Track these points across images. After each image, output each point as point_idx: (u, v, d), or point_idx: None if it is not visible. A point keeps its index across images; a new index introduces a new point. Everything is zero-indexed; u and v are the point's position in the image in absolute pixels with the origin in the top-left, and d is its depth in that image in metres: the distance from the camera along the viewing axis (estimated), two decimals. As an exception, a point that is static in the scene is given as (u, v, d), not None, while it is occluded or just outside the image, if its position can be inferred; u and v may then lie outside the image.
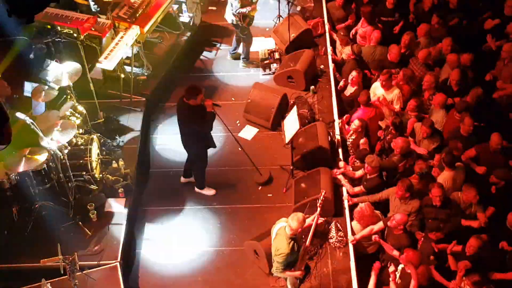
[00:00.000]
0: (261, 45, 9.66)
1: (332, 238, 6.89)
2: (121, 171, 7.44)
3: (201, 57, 9.80)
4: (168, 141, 8.15)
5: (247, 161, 7.60)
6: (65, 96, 7.55)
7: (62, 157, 6.62)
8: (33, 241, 6.64)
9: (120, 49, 7.87)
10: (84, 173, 7.06)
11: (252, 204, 7.50)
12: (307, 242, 5.65)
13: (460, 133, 7.05)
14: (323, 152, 7.54)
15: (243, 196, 7.59)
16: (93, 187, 7.17)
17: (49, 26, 7.86)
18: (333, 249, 6.86)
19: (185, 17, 9.75)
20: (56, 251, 5.68)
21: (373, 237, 6.33)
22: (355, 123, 7.43)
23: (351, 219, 6.76)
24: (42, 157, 6.54)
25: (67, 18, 7.87)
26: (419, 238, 6.36)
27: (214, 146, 7.22)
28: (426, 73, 7.96)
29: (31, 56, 8.00)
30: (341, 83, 8.40)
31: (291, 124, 7.29)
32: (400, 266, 5.97)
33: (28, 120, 6.19)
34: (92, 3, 8.61)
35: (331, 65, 8.90)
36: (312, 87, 8.88)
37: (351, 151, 7.73)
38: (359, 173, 7.21)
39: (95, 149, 7.25)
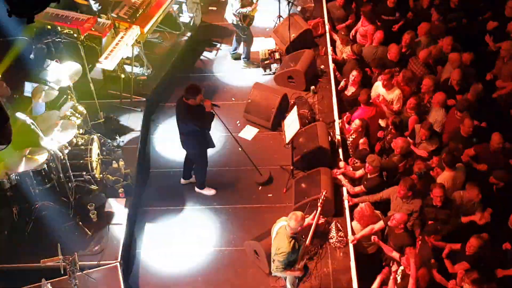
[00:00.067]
0: (262, 45, 9.65)
1: (332, 238, 6.89)
2: (121, 171, 7.44)
3: (201, 57, 9.80)
4: (168, 141, 8.14)
5: (247, 161, 7.60)
6: (65, 96, 7.55)
7: (62, 157, 6.62)
8: (33, 241, 6.64)
9: (120, 49, 7.87)
10: (84, 173, 7.05)
11: (252, 204, 7.50)
12: (307, 242, 5.66)
13: (461, 134, 7.05)
14: (323, 152, 7.54)
15: (243, 196, 7.59)
16: (93, 187, 7.17)
17: (49, 27, 7.87)
18: (333, 249, 6.86)
19: (185, 17, 9.76)
20: (56, 251, 5.67)
21: (372, 237, 6.33)
22: (356, 122, 7.43)
23: (351, 219, 6.76)
24: (42, 157, 6.54)
25: (67, 18, 7.88)
26: (417, 236, 6.37)
27: (213, 146, 7.21)
28: (425, 73, 7.97)
29: (31, 56, 8.01)
30: (342, 83, 8.40)
31: (291, 124, 7.29)
32: (402, 267, 5.97)
33: (28, 120, 6.19)
34: (93, 2, 8.60)
35: (331, 65, 8.90)
36: (312, 87, 8.88)
37: (350, 150, 7.73)
38: (359, 173, 7.21)
39: (95, 149, 7.25)
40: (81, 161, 6.99)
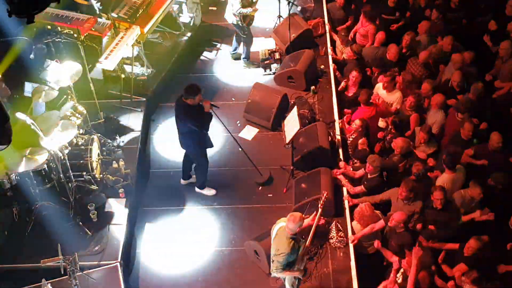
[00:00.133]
0: (262, 45, 9.66)
1: (332, 238, 6.89)
2: (122, 171, 7.44)
3: (202, 57, 9.80)
4: (168, 141, 8.14)
5: (247, 161, 7.59)
6: (65, 96, 7.55)
7: (62, 157, 6.62)
8: (33, 241, 6.65)
9: (120, 49, 7.87)
10: (85, 173, 7.05)
11: (252, 204, 7.50)
12: (307, 243, 5.65)
13: (461, 137, 7.04)
14: (324, 152, 7.54)
15: (243, 196, 7.59)
16: (94, 187, 7.17)
17: (49, 27, 7.86)
18: (333, 249, 6.86)
19: (185, 17, 9.76)
20: (56, 251, 5.68)
21: (375, 243, 6.33)
22: (356, 122, 7.44)
23: (351, 219, 6.76)
24: (42, 157, 6.53)
25: (68, 18, 7.88)
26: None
27: (211, 146, 7.20)
28: (424, 74, 7.97)
29: (32, 56, 8.00)
30: (342, 84, 8.40)
31: (291, 124, 7.29)
32: (402, 269, 5.97)
33: (28, 120, 6.19)
34: (95, 2, 8.60)
35: (331, 65, 8.90)
36: (312, 87, 8.87)
37: (350, 150, 7.73)
38: (359, 173, 7.21)
39: (95, 149, 7.25)
40: (81, 161, 6.99)
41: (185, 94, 6.61)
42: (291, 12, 9.36)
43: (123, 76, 8.41)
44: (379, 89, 7.95)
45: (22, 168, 6.43)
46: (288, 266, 5.59)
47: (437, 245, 6.19)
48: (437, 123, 7.35)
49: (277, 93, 8.47)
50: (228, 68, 9.54)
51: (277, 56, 9.44)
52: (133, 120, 8.28)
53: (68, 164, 6.68)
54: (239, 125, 8.52)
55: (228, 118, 8.12)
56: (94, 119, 7.92)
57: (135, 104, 8.47)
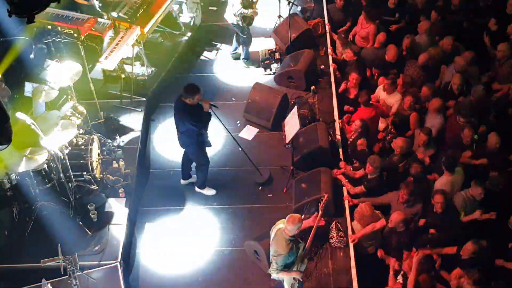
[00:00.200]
0: (261, 45, 9.67)
1: (332, 238, 6.89)
2: (122, 171, 7.45)
3: (202, 57, 9.80)
4: (168, 141, 8.14)
5: (247, 161, 7.59)
6: (65, 96, 7.55)
7: (62, 157, 6.62)
8: (33, 241, 6.65)
9: (120, 49, 7.88)
10: (85, 173, 7.06)
11: (252, 204, 7.50)
12: (307, 244, 5.64)
13: (462, 141, 7.03)
14: (324, 152, 7.54)
15: (243, 196, 7.59)
16: (94, 187, 7.17)
17: (49, 27, 7.87)
18: (333, 249, 6.86)
19: (185, 17, 9.75)
20: (56, 251, 5.68)
21: (378, 253, 6.34)
22: (356, 123, 7.44)
23: (351, 219, 6.76)
24: (42, 157, 6.53)
25: (68, 18, 7.89)
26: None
27: (209, 146, 7.18)
28: (422, 75, 7.96)
29: (32, 56, 8.01)
30: (342, 86, 8.40)
31: (291, 124, 7.29)
32: (402, 271, 5.98)
33: (29, 120, 6.19)
34: (96, 2, 8.60)
35: (331, 65, 8.90)
36: (312, 87, 8.87)
37: (349, 150, 7.73)
38: (359, 173, 7.21)
39: (95, 149, 7.25)
40: (81, 161, 7.00)
41: (184, 93, 6.61)
42: (291, 12, 9.36)
43: (123, 76, 8.41)
44: (380, 91, 7.96)
45: (22, 168, 6.43)
46: (286, 267, 5.59)
47: (435, 251, 6.14)
48: (435, 127, 7.29)
49: (277, 93, 8.47)
50: (228, 68, 9.54)
51: (277, 56, 9.45)
52: (133, 120, 8.28)
53: (68, 164, 6.68)
54: (239, 125, 8.52)
55: (228, 118, 8.12)
56: (94, 119, 7.92)
57: (135, 104, 8.47)
